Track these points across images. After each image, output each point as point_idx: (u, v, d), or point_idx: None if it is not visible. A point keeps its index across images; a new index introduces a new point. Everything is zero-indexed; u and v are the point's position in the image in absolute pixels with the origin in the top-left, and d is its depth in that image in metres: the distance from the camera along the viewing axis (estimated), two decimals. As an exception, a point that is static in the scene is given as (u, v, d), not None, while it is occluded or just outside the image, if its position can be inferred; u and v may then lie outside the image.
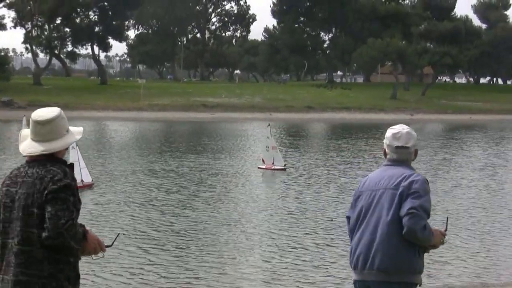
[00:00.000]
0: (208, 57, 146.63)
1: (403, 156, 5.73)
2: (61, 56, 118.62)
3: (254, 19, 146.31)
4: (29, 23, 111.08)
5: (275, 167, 27.72)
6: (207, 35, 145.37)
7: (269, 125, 28.96)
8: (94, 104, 75.71)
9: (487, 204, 20.67)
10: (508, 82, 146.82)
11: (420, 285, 5.57)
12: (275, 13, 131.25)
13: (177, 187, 23.34)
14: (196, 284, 11.89)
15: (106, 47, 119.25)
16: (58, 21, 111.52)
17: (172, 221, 17.32)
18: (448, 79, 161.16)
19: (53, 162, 4.79)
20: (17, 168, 4.91)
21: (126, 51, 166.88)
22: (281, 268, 12.87)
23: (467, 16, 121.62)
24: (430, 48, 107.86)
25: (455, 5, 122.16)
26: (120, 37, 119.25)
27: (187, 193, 22.05)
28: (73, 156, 22.50)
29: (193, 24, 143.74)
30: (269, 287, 11.83)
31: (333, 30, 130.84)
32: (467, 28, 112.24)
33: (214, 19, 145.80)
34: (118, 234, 6.92)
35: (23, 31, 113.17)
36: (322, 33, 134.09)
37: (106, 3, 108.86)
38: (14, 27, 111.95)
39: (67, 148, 4.94)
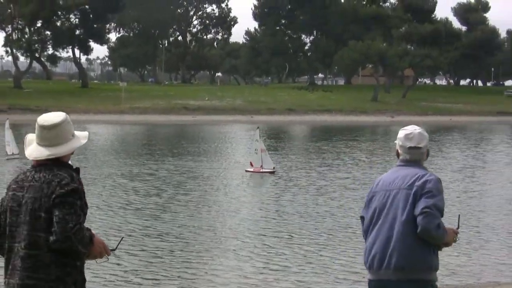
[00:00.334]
0: (190, 60, 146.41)
1: (415, 157, 5.80)
2: (42, 59, 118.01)
3: (235, 22, 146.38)
4: (10, 26, 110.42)
5: (264, 170, 27.55)
6: (188, 37, 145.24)
7: (258, 127, 28.84)
8: (75, 107, 75.38)
9: (467, 207, 20.75)
10: (488, 84, 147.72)
11: (436, 282, 5.64)
12: (256, 16, 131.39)
13: (157, 190, 23.32)
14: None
15: (87, 50, 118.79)
16: (39, 24, 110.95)
17: (147, 225, 17.22)
18: (428, 81, 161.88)
19: (59, 167, 4.80)
20: (23, 173, 4.92)
21: (107, 54, 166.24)
22: (254, 272, 12.90)
23: (447, 19, 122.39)
24: (411, 50, 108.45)
25: (435, 7, 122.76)
26: (101, 40, 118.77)
27: (167, 196, 22.05)
28: None
29: (174, 27, 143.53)
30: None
31: (314, 33, 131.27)
32: (447, 30, 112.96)
33: (195, 22, 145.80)
34: (122, 237, 6.92)
35: (4, 34, 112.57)
36: (303, 36, 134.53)
37: (87, 6, 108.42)
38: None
39: (72, 153, 4.95)
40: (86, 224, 4.71)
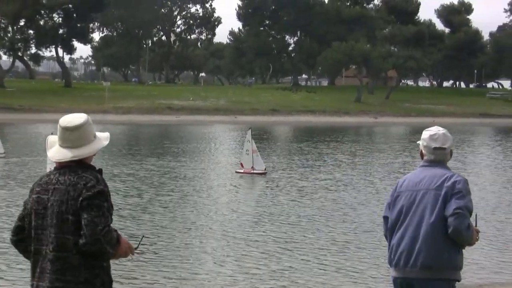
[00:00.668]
0: (173, 60, 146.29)
1: (440, 157, 5.91)
2: (25, 58, 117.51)
3: (219, 22, 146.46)
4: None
5: (255, 171, 27.32)
6: (172, 37, 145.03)
7: (250, 128, 28.49)
8: (58, 106, 75.05)
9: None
10: (471, 86, 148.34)
11: (459, 281, 5.77)
12: (240, 16, 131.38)
13: (138, 191, 23.22)
14: None
15: (70, 50, 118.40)
16: (22, 23, 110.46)
17: (128, 225, 17.11)
18: (411, 83, 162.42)
19: (83, 169, 4.80)
20: (47, 175, 4.90)
21: (90, 53, 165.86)
22: (234, 273, 12.87)
23: (430, 20, 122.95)
24: (394, 52, 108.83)
25: (418, 9, 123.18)
26: (85, 40, 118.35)
27: (149, 197, 21.97)
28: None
29: (158, 26, 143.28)
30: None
31: (298, 34, 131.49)
32: (430, 32, 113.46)
33: (179, 22, 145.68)
34: (143, 236, 6.95)
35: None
36: (287, 36, 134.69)
37: (70, 6, 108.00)
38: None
39: (95, 154, 4.95)
40: None
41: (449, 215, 5.53)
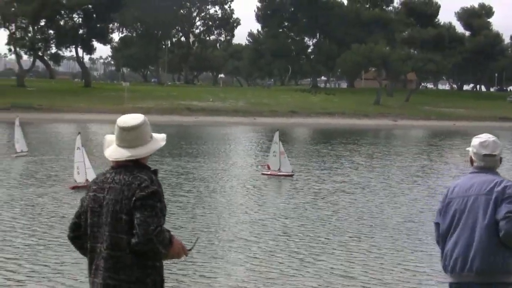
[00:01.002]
0: (192, 61, 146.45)
1: (490, 164, 5.97)
2: (45, 58, 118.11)
3: (238, 24, 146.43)
4: (13, 24, 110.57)
5: (282, 173, 27.11)
6: (191, 38, 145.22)
7: (277, 130, 28.34)
8: (78, 106, 75.51)
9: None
10: (491, 90, 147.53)
11: None
12: (259, 18, 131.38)
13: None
14: None
15: (90, 50, 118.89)
16: (42, 23, 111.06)
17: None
18: (431, 86, 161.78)
19: (139, 169, 4.86)
20: (103, 174, 4.99)
21: (110, 53, 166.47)
22: (248, 274, 12.85)
23: (450, 23, 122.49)
24: (414, 55, 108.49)
25: (438, 12, 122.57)
26: (104, 40, 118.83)
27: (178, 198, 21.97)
28: (78, 157, 22.45)
29: (177, 27, 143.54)
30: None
31: (317, 35, 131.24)
32: (450, 35, 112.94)
33: (198, 23, 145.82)
34: (198, 238, 6.99)
35: (7, 32, 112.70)
36: (306, 38, 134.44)
37: (90, 6, 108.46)
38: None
39: (151, 155, 5.02)
40: None
41: (500, 219, 5.58)
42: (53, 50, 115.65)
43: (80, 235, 4.95)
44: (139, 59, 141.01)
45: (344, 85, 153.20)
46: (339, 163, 34.30)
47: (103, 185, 4.86)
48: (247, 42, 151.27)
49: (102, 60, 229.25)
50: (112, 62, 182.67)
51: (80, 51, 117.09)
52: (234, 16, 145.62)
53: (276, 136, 27.67)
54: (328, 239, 16.01)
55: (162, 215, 4.71)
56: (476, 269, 5.68)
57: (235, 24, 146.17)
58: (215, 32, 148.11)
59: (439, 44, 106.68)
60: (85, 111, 73.54)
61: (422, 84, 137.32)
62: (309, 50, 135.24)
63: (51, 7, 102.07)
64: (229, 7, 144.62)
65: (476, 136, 6.09)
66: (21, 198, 20.70)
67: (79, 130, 51.77)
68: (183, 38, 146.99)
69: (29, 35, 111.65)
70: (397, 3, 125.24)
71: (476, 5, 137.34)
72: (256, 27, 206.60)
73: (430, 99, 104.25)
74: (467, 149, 6.09)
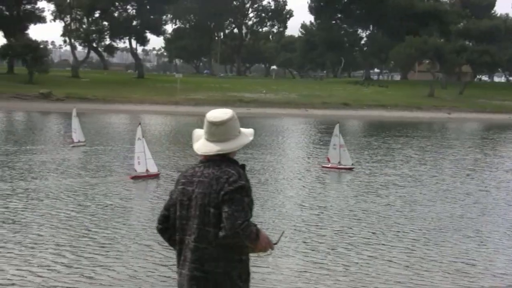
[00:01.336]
0: (245, 53, 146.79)
1: None
2: (99, 49, 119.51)
3: (291, 15, 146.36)
4: (68, 16, 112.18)
5: (342, 166, 26.73)
6: (244, 30, 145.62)
7: (338, 122, 28.00)
8: (131, 97, 76.13)
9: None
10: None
11: None
12: (312, 9, 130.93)
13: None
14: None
15: (143, 41, 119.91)
16: (97, 15, 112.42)
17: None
18: (486, 78, 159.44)
19: (227, 163, 4.96)
20: (192, 167, 5.11)
21: (163, 45, 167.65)
22: (301, 267, 12.80)
23: (507, 15, 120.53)
24: (469, 46, 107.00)
25: (495, 3, 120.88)
26: (158, 31, 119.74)
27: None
28: (139, 148, 22.71)
29: (230, 19, 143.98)
30: None
31: (371, 27, 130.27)
32: (507, 26, 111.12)
33: (251, 15, 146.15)
34: (283, 232, 7.03)
35: (62, 24, 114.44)
36: (359, 30, 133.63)
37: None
38: (54, 20, 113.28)
39: (239, 149, 5.10)
40: None
41: None
42: (107, 41, 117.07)
43: (168, 226, 5.09)
44: (192, 50, 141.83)
45: (397, 77, 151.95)
46: (391, 156, 34.00)
47: (192, 178, 4.99)
48: (299, 34, 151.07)
49: (155, 52, 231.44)
50: (165, 54, 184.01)
51: (133, 42, 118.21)
52: (287, 7, 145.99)
53: (337, 128, 27.20)
54: (378, 233, 15.90)
55: (249, 209, 4.80)
56: None
57: (288, 16, 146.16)
58: (268, 23, 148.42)
59: (495, 36, 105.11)
60: (138, 102, 74.15)
61: (477, 76, 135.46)
62: (362, 42, 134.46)
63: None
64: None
65: None
66: (84, 187, 20.97)
67: (131, 120, 52.28)
68: (235, 30, 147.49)
69: (84, 26, 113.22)
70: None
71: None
72: (309, 18, 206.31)
73: (485, 91, 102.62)
74: None
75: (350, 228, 16.32)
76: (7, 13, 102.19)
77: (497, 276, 12.50)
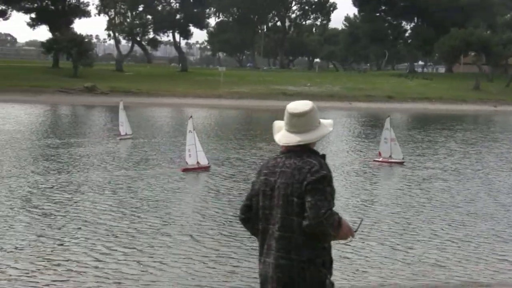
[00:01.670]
0: (288, 46, 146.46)
1: None
2: (143, 43, 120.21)
3: (334, 8, 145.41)
4: (112, 10, 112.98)
5: (392, 160, 26.51)
6: (287, 23, 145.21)
7: (388, 116, 27.70)
8: (175, 91, 76.44)
9: None
10: None
11: None
12: (356, 2, 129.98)
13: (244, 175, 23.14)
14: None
15: (187, 35, 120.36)
16: (140, 9, 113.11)
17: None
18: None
19: (308, 153, 5.07)
20: (273, 158, 5.21)
21: (206, 38, 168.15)
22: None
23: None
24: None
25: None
26: (201, 25, 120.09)
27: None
28: (190, 140, 22.89)
29: (273, 12, 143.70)
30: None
31: (415, 19, 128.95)
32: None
33: (294, 7, 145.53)
34: (362, 220, 7.08)
35: (106, 18, 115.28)
36: (403, 22, 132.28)
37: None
38: (98, 14, 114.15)
39: (319, 140, 5.22)
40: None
41: None
42: (151, 35, 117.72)
43: (250, 217, 5.22)
44: (235, 44, 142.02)
45: (442, 69, 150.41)
46: (433, 149, 33.61)
47: (274, 169, 5.09)
48: (343, 27, 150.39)
49: (198, 45, 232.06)
50: (208, 47, 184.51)
51: (177, 36, 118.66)
52: (331, 0, 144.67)
53: (387, 122, 26.95)
54: (420, 226, 15.71)
55: (331, 198, 4.91)
56: None
57: (331, 8, 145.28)
58: (311, 16, 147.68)
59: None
60: (182, 95, 74.43)
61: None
62: (407, 35, 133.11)
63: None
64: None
65: None
66: (138, 179, 21.25)
67: (175, 113, 52.47)
68: (279, 23, 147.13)
69: (128, 20, 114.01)
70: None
71: None
72: (352, 11, 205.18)
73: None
74: None
75: (388, 222, 16.15)
76: (53, 7, 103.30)
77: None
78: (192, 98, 72.57)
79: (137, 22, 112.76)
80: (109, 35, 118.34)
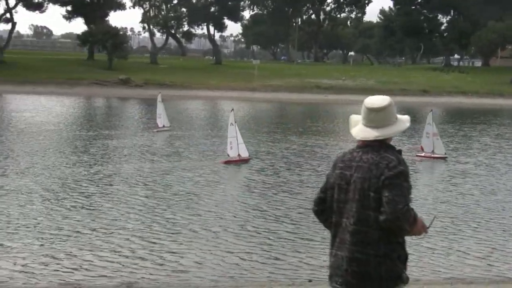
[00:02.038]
0: (322, 39, 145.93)
1: None
2: (177, 35, 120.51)
3: (369, 1, 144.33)
4: (147, 3, 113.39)
5: (435, 155, 26.26)
6: (321, 16, 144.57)
7: (431, 110, 27.55)
8: (209, 83, 76.50)
9: None
10: None
11: None
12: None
13: (274, 168, 23.14)
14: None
15: (221, 27, 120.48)
16: (175, 1, 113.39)
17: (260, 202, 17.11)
18: None
19: (385, 148, 5.09)
20: (349, 152, 5.22)
21: (240, 31, 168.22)
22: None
23: None
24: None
25: None
26: (235, 18, 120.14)
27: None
28: (231, 133, 23.04)
29: (308, 5, 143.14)
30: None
31: (451, 13, 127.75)
32: None
33: (329, 0, 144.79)
34: (435, 216, 7.11)
35: (141, 10, 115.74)
36: (439, 16, 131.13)
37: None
38: (133, 6, 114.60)
39: (396, 135, 5.26)
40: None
41: None
42: (185, 28, 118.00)
43: (324, 209, 5.24)
44: (269, 37, 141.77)
45: (478, 63, 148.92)
46: (467, 144, 33.24)
47: (350, 163, 5.10)
48: (378, 20, 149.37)
49: (232, 38, 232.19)
50: (242, 40, 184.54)
51: (211, 28, 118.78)
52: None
53: (430, 116, 26.79)
54: (453, 221, 15.52)
55: (408, 194, 4.89)
56: None
57: (366, 1, 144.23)
58: (346, 9, 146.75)
59: None
60: (216, 88, 74.46)
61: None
62: (442, 28, 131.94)
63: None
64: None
65: None
66: (182, 169, 21.53)
67: (210, 106, 52.52)
68: (313, 16, 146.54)
69: (162, 13, 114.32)
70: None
71: None
72: (388, 4, 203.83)
73: None
74: None
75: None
76: (88, 0, 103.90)
77: None
78: (225, 91, 72.55)
79: (172, 14, 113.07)
80: (143, 28, 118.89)
